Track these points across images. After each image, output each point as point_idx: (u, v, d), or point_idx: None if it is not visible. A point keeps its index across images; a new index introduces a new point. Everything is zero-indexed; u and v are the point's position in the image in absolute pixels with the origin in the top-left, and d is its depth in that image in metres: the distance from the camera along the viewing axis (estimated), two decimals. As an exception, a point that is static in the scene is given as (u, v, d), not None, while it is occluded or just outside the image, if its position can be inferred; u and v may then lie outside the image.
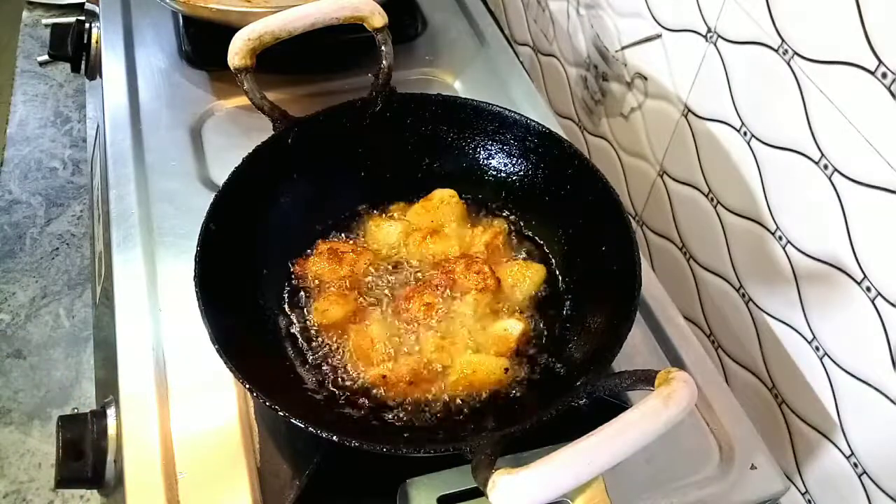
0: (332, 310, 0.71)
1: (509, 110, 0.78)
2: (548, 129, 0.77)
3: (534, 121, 0.78)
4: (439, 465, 0.61)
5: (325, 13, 0.74)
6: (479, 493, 0.50)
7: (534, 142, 0.78)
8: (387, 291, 0.74)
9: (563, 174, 0.76)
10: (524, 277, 0.74)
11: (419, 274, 0.75)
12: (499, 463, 0.50)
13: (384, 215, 0.80)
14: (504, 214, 0.81)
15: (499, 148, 0.81)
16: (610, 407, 0.65)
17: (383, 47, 0.77)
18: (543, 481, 0.47)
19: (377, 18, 0.75)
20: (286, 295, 0.74)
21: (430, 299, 0.71)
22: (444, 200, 0.79)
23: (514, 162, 0.80)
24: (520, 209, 0.81)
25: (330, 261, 0.74)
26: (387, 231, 0.78)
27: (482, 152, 0.82)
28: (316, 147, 0.78)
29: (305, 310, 0.73)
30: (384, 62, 0.77)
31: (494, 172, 0.82)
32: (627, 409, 0.50)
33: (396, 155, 0.82)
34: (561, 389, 0.64)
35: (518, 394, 0.68)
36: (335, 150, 0.80)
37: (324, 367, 0.69)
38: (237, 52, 0.72)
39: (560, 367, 0.69)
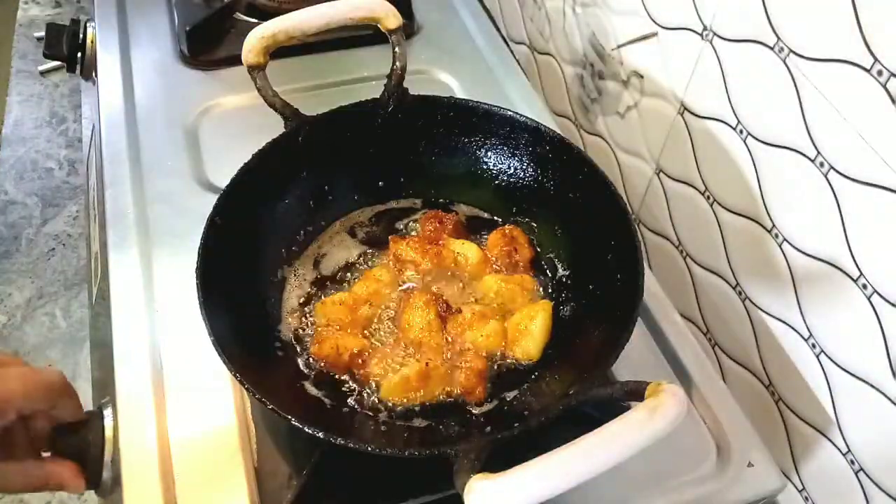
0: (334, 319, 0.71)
1: (521, 115, 0.78)
2: (559, 134, 0.77)
3: (545, 126, 0.77)
4: (436, 469, 0.61)
5: (339, 13, 0.74)
6: None
7: (544, 147, 0.78)
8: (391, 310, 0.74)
9: (573, 181, 0.76)
10: (528, 331, 0.70)
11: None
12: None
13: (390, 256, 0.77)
14: (511, 220, 0.81)
15: (510, 153, 0.81)
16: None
17: (397, 48, 0.76)
18: (520, 488, 0.46)
19: (392, 20, 0.75)
20: (286, 294, 0.74)
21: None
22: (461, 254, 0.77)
23: (523, 167, 0.80)
24: (527, 214, 0.81)
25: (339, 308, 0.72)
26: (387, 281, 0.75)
27: (492, 157, 0.82)
28: (326, 146, 0.78)
29: (304, 310, 0.74)
30: (397, 63, 0.77)
31: (504, 177, 0.82)
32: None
33: (406, 156, 0.82)
34: (553, 397, 0.64)
35: (512, 401, 0.68)
36: (345, 149, 0.80)
37: (321, 368, 0.69)
38: (251, 49, 0.72)
39: (554, 375, 0.69)
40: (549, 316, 0.71)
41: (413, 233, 0.81)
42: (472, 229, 0.81)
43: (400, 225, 0.82)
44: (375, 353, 0.69)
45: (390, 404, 0.67)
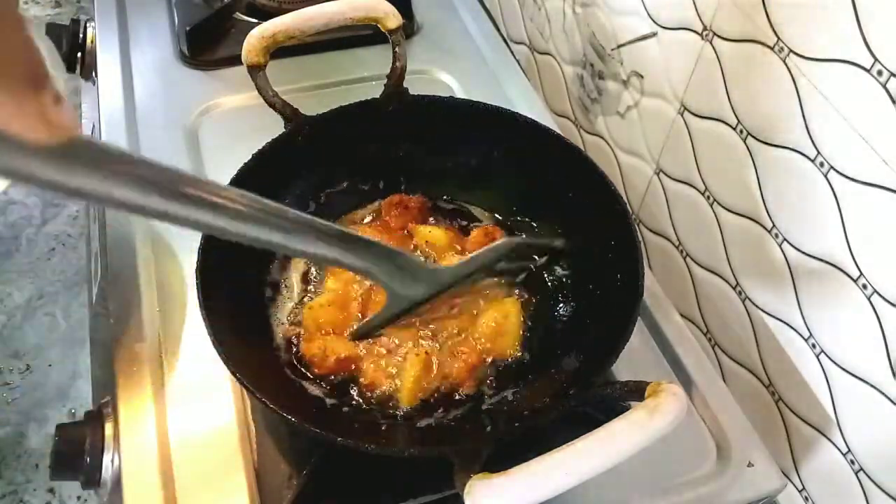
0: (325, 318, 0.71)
1: (521, 115, 0.78)
2: (559, 134, 0.77)
3: (545, 126, 0.77)
4: (436, 469, 0.61)
5: (339, 13, 0.74)
6: None
7: (544, 147, 0.78)
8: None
9: (573, 181, 0.76)
10: (499, 326, 0.71)
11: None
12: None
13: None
14: (511, 219, 0.81)
15: (510, 153, 0.81)
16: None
17: (397, 48, 0.76)
18: (520, 488, 0.46)
19: (391, 20, 0.75)
20: (286, 294, 0.74)
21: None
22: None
23: (523, 167, 0.80)
24: (527, 214, 0.81)
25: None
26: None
27: (492, 156, 0.82)
28: (326, 146, 0.78)
29: (304, 310, 0.73)
30: (397, 63, 0.77)
31: (504, 177, 0.81)
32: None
33: (406, 156, 0.82)
34: (554, 397, 0.64)
35: (512, 400, 0.68)
36: (345, 149, 0.79)
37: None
38: (251, 49, 0.72)
39: (554, 374, 0.69)
40: (519, 311, 0.72)
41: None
42: (472, 230, 0.81)
43: (357, 214, 0.81)
44: (367, 356, 0.69)
45: (391, 404, 0.67)
